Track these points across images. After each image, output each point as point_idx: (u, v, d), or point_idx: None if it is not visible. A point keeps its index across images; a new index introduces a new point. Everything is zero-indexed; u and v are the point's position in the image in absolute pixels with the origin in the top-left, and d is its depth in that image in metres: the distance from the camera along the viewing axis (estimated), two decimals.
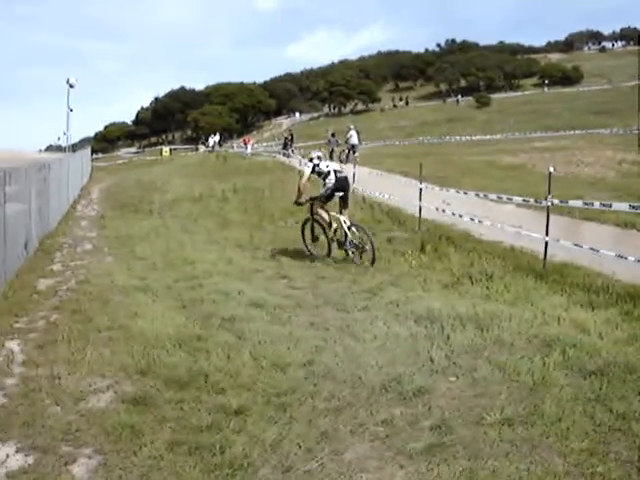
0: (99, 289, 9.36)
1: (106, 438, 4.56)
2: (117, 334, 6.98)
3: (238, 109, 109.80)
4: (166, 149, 76.26)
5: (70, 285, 9.84)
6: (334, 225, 11.61)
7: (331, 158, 31.90)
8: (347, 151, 32.17)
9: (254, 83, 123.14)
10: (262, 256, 12.31)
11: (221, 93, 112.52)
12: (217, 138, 65.64)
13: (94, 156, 50.41)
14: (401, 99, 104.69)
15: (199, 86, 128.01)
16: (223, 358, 6.11)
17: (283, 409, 5.02)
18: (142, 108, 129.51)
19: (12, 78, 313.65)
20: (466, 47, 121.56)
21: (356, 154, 29.16)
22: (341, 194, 11.59)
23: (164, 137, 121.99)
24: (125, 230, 16.07)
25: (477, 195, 13.55)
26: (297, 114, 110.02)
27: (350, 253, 11.42)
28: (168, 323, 7.30)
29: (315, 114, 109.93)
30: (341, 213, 11.67)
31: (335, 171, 11.58)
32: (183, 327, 7.20)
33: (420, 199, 14.92)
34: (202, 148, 69.49)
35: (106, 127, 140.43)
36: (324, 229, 11.79)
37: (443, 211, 14.54)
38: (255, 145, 60.97)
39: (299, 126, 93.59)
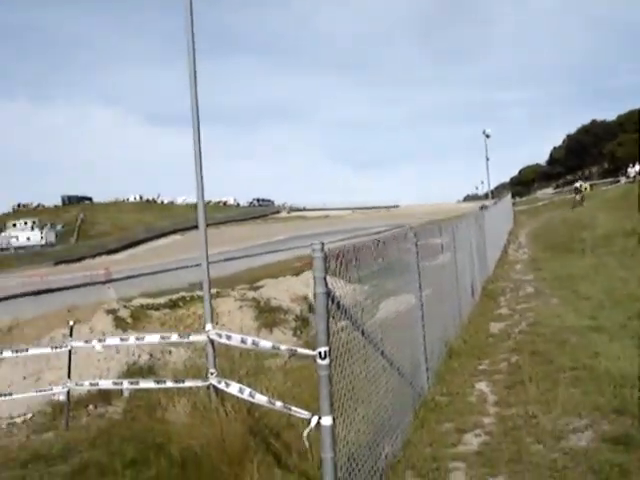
0: (551, 330, 9.56)
1: (594, 477, 4.64)
2: (582, 374, 7.04)
3: None
4: (586, 185, 73.78)
5: (521, 328, 10.26)
6: None
7: None
8: None
9: None
10: None
11: (635, 120, 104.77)
12: (638, 167, 60.92)
13: (512, 200, 51.50)
14: None
15: (610, 116, 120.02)
16: None
17: None
18: (554, 147, 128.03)
19: (424, 136, 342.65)
20: None
21: None
22: None
23: (580, 174, 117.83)
24: (561, 271, 16.04)
25: None
26: None
27: None
28: (633, 362, 7.08)
29: None
30: None
31: None
32: None
33: None
34: (622, 180, 65.30)
35: (520, 171, 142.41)
36: None
37: None
38: None
39: None
